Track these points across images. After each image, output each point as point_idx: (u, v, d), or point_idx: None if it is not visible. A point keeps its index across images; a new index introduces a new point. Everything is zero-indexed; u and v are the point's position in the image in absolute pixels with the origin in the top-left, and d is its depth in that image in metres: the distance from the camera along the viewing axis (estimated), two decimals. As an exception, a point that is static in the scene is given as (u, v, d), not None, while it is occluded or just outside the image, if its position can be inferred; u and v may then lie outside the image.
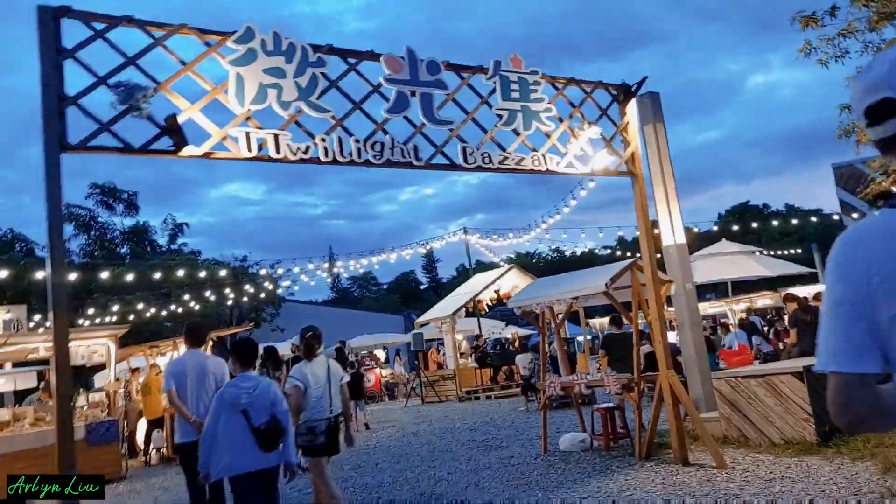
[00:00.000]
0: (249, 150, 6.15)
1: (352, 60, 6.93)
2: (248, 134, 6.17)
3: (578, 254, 43.18)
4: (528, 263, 51.06)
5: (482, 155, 7.47)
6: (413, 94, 7.13)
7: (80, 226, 36.72)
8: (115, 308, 27.86)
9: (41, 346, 11.68)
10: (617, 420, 9.86)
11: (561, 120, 8.19)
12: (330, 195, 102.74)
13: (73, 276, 26.74)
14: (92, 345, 12.14)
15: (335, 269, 34.09)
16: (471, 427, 13.46)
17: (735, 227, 40.39)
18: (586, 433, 9.98)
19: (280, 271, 30.92)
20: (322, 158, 6.52)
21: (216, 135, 6.06)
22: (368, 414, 17.21)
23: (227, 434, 5.01)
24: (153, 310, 28.41)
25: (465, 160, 7.37)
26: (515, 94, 7.82)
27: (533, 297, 9.87)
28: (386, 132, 6.96)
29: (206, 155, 6.03)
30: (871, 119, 1.45)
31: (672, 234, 10.56)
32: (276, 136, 6.30)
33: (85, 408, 12.34)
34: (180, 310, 29.16)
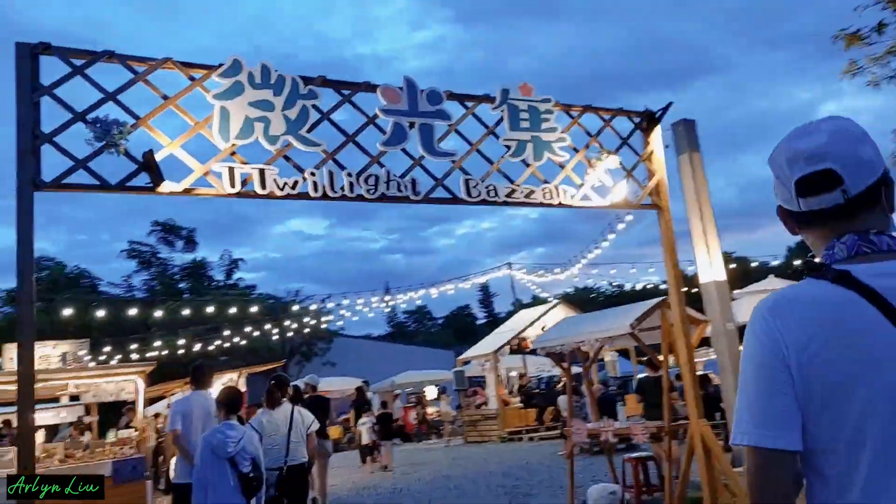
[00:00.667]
0: (233, 185, 5.93)
1: (346, 92, 6.69)
2: (231, 169, 5.95)
3: (639, 288, 42.00)
4: (586, 299, 49.95)
5: (487, 188, 7.09)
6: (412, 125, 6.83)
7: (142, 262, 37.79)
8: (169, 342, 28.28)
9: (70, 382, 11.76)
10: (652, 470, 9.20)
11: (576, 150, 7.76)
12: (388, 230, 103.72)
13: (132, 312, 27.27)
14: (120, 381, 12.13)
15: (389, 303, 33.97)
16: (504, 472, 12.91)
17: (798, 262, 38.71)
18: (618, 485, 9.33)
19: (330, 305, 30.98)
20: (311, 193, 6.25)
21: (198, 170, 5.86)
22: (393, 452, 16.74)
23: (215, 481, 5.02)
24: (198, 345, 28.69)
25: (469, 193, 7.00)
26: (525, 124, 7.44)
27: (557, 338, 9.36)
28: (382, 165, 6.67)
29: (187, 192, 5.83)
30: (803, 191, 1.40)
31: (710, 270, 9.92)
32: (261, 171, 6.06)
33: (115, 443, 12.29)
34: (226, 344, 29.43)
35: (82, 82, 5.62)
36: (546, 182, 7.49)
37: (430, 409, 26.84)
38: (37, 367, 13.41)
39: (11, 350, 18.99)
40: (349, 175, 6.44)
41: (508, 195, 7.20)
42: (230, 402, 5.47)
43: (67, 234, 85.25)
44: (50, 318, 28.51)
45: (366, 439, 15.68)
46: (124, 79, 5.76)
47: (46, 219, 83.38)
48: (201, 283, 38.07)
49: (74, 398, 12.88)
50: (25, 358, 5.06)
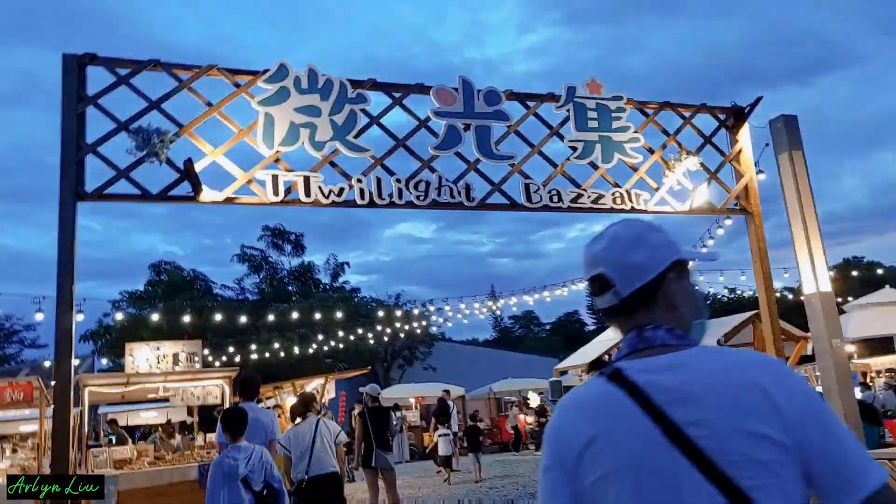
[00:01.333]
0: (276, 194, 5.77)
1: (397, 94, 6.42)
2: (275, 177, 5.80)
3: (747, 296, 39.55)
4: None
5: (549, 192, 6.64)
6: (467, 127, 6.48)
7: (252, 266, 39.14)
8: (273, 345, 29.03)
9: (161, 385, 12.12)
10: None
11: (651, 151, 7.17)
12: (496, 233, 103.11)
13: (238, 312, 28.18)
14: (207, 385, 12.39)
15: (494, 307, 33.64)
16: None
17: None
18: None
19: (431, 309, 30.93)
20: (358, 201, 6.01)
21: (241, 178, 5.75)
22: (486, 462, 16.30)
23: (232, 502, 4.97)
24: (300, 348, 29.28)
25: (529, 199, 6.57)
26: (593, 123, 6.93)
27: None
28: (433, 170, 6.35)
29: (229, 200, 5.72)
30: (590, 292, 1.52)
31: (814, 281, 8.99)
32: (306, 179, 5.88)
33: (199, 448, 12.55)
34: (325, 347, 29.91)
35: (131, 92, 5.62)
36: (617, 186, 6.95)
37: (528, 419, 26.24)
38: (149, 367, 14.01)
39: (132, 348, 20.02)
40: (398, 181, 6.16)
41: (574, 200, 6.71)
42: (235, 425, 5.24)
43: (196, 238, 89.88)
44: (167, 319, 29.89)
45: (442, 451, 15.34)
46: (172, 88, 5.73)
47: (179, 224, 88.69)
48: (308, 286, 39.04)
49: (164, 400, 13.31)
50: (64, 362, 5.07)
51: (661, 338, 1.39)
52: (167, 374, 12.11)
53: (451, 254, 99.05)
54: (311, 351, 30.87)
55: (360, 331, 29.27)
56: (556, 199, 6.65)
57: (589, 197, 6.78)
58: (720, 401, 1.25)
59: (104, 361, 31.00)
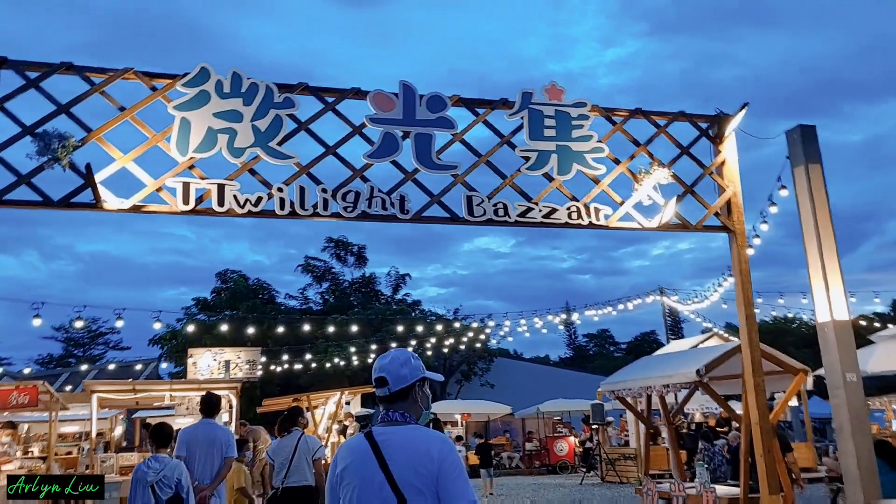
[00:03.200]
0: (186, 202, 5.50)
1: (330, 99, 6.07)
2: (186, 185, 5.54)
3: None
4: (786, 329, 44.41)
5: (495, 206, 6.14)
6: (406, 135, 6.07)
7: (315, 276, 39.57)
8: (334, 356, 29.13)
9: (167, 394, 12.12)
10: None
11: (617, 161, 6.57)
12: (577, 249, 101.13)
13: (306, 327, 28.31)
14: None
15: (563, 323, 32.82)
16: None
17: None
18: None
19: (491, 323, 30.36)
20: (277, 211, 5.68)
21: (150, 186, 5.50)
22: (512, 485, 15.71)
23: None
24: (353, 359, 29.25)
25: (471, 212, 6.09)
26: (550, 132, 6.40)
27: (622, 381, 8.07)
28: (366, 180, 5.96)
29: (136, 208, 5.48)
30: (376, 385, 2.56)
31: (828, 309, 8.11)
32: (220, 187, 5.59)
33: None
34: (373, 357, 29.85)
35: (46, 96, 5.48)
36: (574, 199, 6.38)
37: (578, 441, 25.32)
38: (210, 373, 14.10)
39: (195, 354, 20.42)
40: (324, 191, 5.80)
41: (522, 214, 6.19)
42: (160, 437, 5.81)
43: (280, 248, 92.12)
44: (230, 327, 30.43)
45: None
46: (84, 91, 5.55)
47: (266, 234, 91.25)
48: (370, 298, 39.14)
49: (170, 408, 13.33)
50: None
51: (395, 418, 2.52)
52: (173, 383, 12.11)
53: (529, 269, 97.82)
54: (369, 361, 30.86)
55: (413, 343, 29.04)
56: (501, 212, 6.15)
57: (540, 211, 6.24)
58: (406, 453, 2.38)
59: (164, 366, 31.89)
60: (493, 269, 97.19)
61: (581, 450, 24.33)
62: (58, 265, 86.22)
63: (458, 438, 21.01)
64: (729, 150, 6.85)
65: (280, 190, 5.72)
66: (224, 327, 27.44)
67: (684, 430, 20.18)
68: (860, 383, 8.09)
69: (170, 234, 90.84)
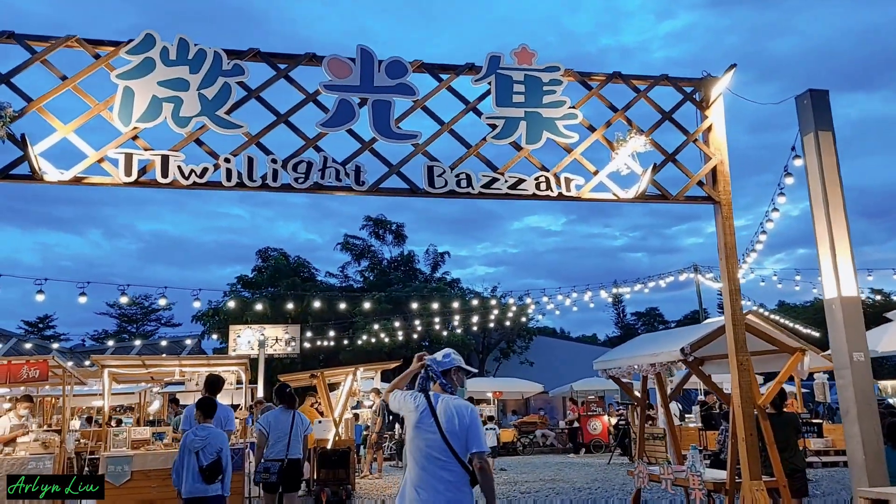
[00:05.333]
0: (129, 174, 5.34)
1: (282, 66, 5.82)
2: (128, 156, 5.37)
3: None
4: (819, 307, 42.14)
5: (457, 176, 5.83)
6: (363, 102, 5.79)
7: (355, 254, 39.67)
8: (371, 333, 29.22)
9: (176, 369, 12.17)
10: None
11: (592, 129, 6.17)
12: (630, 227, 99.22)
13: (341, 306, 28.39)
14: (221, 371, 12.31)
15: (611, 301, 32.26)
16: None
17: None
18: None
19: (529, 301, 29.96)
20: (224, 182, 5.48)
21: (92, 157, 5.35)
22: (535, 465, 15.41)
23: (186, 468, 6.43)
24: (390, 336, 29.26)
25: (432, 183, 5.80)
26: (519, 98, 6.04)
27: (614, 360, 7.71)
28: (319, 149, 5.71)
29: (77, 180, 5.34)
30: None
31: (835, 284, 7.60)
32: (164, 158, 5.41)
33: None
34: (414, 335, 29.77)
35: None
36: (544, 169, 6.03)
37: (613, 420, 24.88)
38: (251, 349, 14.23)
39: (237, 331, 20.69)
40: (274, 161, 5.57)
41: (486, 185, 5.87)
42: (206, 409, 6.73)
43: (333, 227, 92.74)
44: (270, 304, 30.72)
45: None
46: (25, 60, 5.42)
47: (320, 213, 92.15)
48: (409, 276, 39.05)
49: (179, 383, 13.42)
50: None
51: (448, 388, 3.95)
52: (182, 359, 12.17)
53: (580, 247, 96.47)
54: (414, 337, 30.92)
55: (454, 322, 28.94)
56: (464, 183, 5.84)
57: (506, 182, 5.90)
58: (450, 412, 3.78)
59: (214, 337, 32.43)
60: (543, 248, 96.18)
61: (614, 430, 23.92)
62: (121, 243, 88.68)
63: (490, 418, 20.80)
64: (716, 115, 6.39)
65: (227, 161, 5.51)
66: (258, 306, 27.72)
67: (716, 411, 19.63)
68: (868, 363, 7.61)
69: (225, 213, 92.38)
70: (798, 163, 8.73)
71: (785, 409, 8.89)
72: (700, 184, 6.25)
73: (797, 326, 24.79)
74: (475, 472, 3.68)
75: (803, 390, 20.19)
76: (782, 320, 22.19)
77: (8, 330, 32.96)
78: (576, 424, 24.26)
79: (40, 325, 49.80)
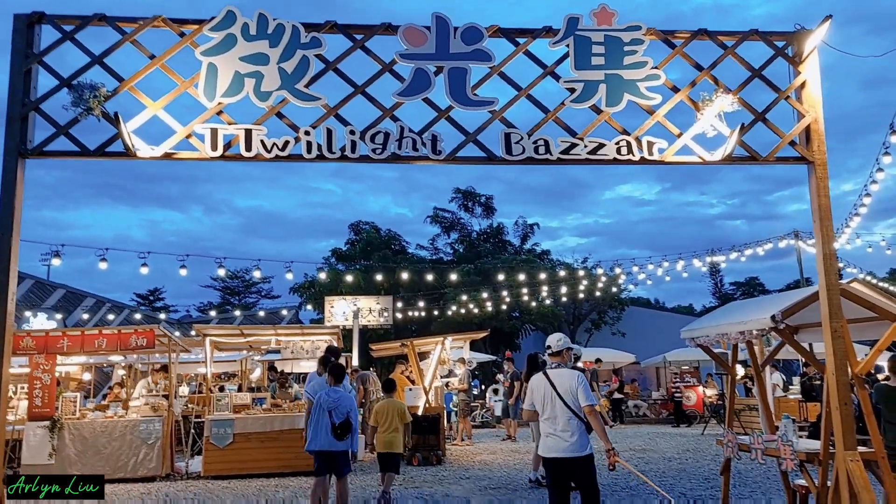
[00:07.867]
0: (215, 149, 5.53)
1: (359, 37, 5.85)
2: (214, 130, 5.56)
3: None
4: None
5: (535, 143, 5.74)
6: (439, 70, 5.77)
7: (444, 227, 39.93)
8: (461, 304, 29.49)
9: (273, 338, 12.63)
10: None
11: (676, 90, 5.95)
12: (728, 194, 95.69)
13: (430, 276, 28.75)
14: (316, 340, 12.70)
15: (708, 267, 31.33)
16: (706, 475, 10.94)
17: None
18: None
19: (619, 271, 29.44)
20: (305, 155, 5.60)
21: (180, 133, 5.57)
22: (627, 433, 15.20)
23: (319, 425, 7.39)
24: (483, 306, 29.41)
25: (509, 150, 5.74)
26: (598, 60, 5.87)
27: (701, 328, 7.48)
28: (396, 119, 5.74)
29: (167, 156, 5.57)
30: (546, 349, 5.81)
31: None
32: (247, 132, 5.57)
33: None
34: (503, 307, 29.77)
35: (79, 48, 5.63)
36: (625, 132, 5.86)
37: (709, 392, 24.25)
38: (345, 319, 14.70)
39: (332, 302, 21.33)
40: (352, 133, 5.65)
41: (565, 151, 5.76)
42: (337, 374, 7.66)
43: (422, 200, 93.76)
44: (363, 277, 31.40)
45: (498, 412, 17.64)
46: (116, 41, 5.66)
47: (408, 186, 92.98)
48: (498, 247, 39.03)
49: (275, 352, 13.91)
50: (3, 317, 5.24)
51: (558, 364, 5.62)
52: (278, 328, 12.61)
53: (676, 216, 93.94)
54: (503, 308, 30.98)
55: (543, 293, 28.79)
56: (542, 150, 5.75)
57: (586, 147, 5.78)
58: (563, 381, 5.40)
59: (308, 307, 33.57)
60: (636, 217, 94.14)
61: (711, 400, 23.32)
62: (221, 219, 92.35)
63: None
64: (810, 70, 6.02)
65: (307, 133, 5.62)
66: (349, 277, 28.31)
67: (817, 382, 18.80)
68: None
69: (318, 188, 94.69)
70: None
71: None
72: (792, 143, 5.93)
73: (908, 294, 23.37)
74: (587, 419, 5.36)
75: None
76: (892, 288, 21.02)
77: (122, 302, 35.04)
78: (621, 396, 23.84)
79: (151, 298, 52.72)
